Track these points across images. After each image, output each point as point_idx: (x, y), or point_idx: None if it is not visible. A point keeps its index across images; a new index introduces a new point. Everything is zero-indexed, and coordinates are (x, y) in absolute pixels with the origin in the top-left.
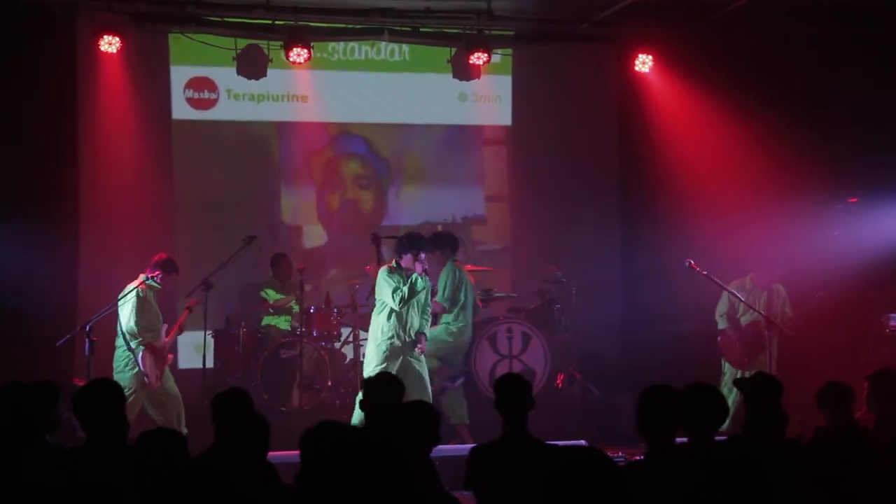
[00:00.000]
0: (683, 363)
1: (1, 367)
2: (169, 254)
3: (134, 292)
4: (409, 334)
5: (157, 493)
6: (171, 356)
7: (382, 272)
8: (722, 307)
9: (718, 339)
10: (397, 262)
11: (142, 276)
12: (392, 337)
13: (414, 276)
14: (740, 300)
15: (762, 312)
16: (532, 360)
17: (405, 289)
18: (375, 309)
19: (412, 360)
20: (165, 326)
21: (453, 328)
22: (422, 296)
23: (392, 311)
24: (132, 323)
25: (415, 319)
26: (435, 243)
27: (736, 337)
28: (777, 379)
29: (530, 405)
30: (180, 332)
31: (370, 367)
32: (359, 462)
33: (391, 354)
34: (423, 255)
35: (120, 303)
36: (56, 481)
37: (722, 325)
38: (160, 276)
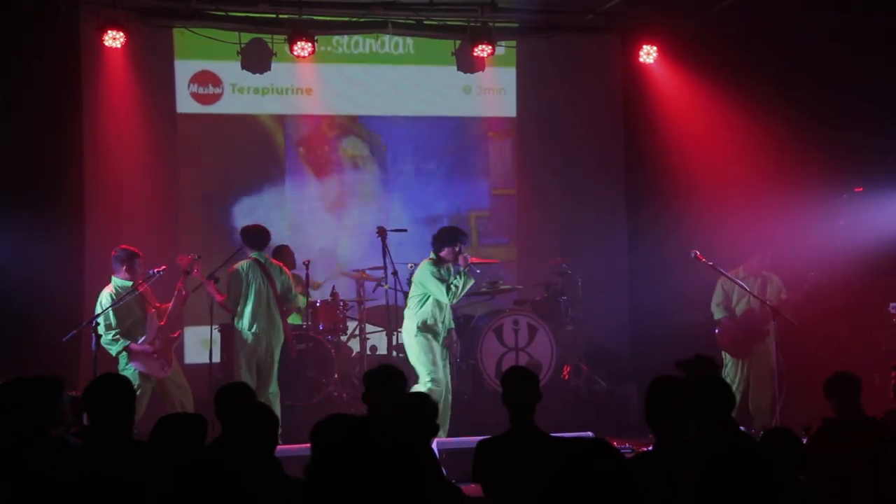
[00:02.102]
0: (690, 355)
1: (5, 362)
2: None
3: (105, 298)
4: (444, 328)
5: (161, 485)
6: (178, 332)
7: (427, 265)
8: (717, 297)
9: (716, 330)
10: (437, 255)
11: (113, 279)
12: (432, 328)
13: (461, 270)
14: (745, 289)
15: (768, 302)
16: (538, 352)
17: (458, 282)
18: (412, 301)
19: (446, 352)
20: (154, 313)
21: (238, 327)
22: None
23: (435, 303)
24: (109, 337)
25: (448, 313)
26: (246, 236)
27: (734, 326)
28: (715, 361)
29: (537, 398)
30: (184, 301)
31: (418, 361)
32: (369, 454)
33: (432, 344)
34: (461, 248)
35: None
36: (60, 475)
37: (718, 314)
38: (126, 271)
